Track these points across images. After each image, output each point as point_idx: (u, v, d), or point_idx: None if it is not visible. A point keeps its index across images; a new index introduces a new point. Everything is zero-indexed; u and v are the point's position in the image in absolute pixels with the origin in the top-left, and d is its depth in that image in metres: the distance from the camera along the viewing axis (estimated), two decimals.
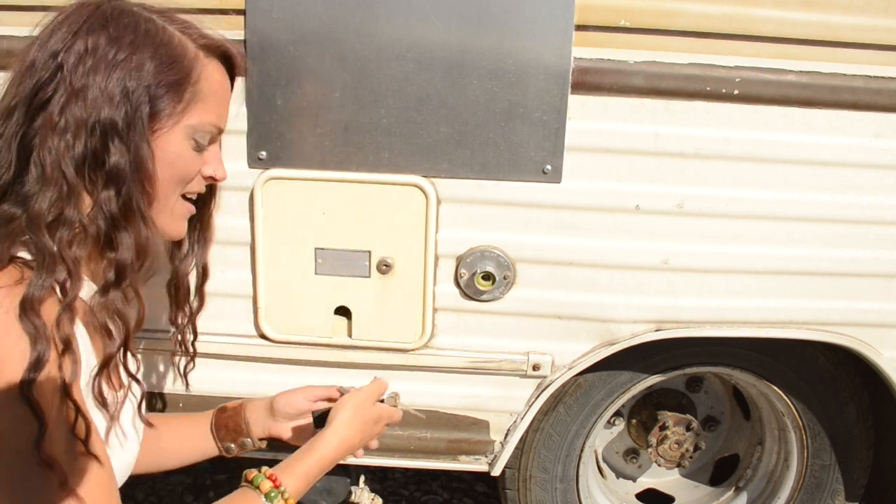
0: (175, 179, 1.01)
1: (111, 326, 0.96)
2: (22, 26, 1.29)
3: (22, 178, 0.91)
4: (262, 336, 1.46)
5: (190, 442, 1.30)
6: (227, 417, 1.30)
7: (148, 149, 0.95)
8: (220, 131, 1.06)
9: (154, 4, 1.02)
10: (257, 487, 1.00)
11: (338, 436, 1.12)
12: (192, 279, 1.23)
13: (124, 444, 1.02)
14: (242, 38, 1.28)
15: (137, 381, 1.04)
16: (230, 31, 1.27)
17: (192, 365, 1.30)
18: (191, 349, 1.28)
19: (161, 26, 0.97)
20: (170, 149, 0.98)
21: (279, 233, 1.38)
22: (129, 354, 1.01)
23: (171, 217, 1.04)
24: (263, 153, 1.34)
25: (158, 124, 0.96)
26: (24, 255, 0.90)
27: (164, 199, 1.01)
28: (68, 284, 0.89)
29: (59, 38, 0.93)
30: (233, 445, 1.30)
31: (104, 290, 0.96)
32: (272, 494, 0.99)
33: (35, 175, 0.91)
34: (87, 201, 0.94)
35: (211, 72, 1.02)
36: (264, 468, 1.04)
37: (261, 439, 1.31)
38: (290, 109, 1.32)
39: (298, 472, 1.06)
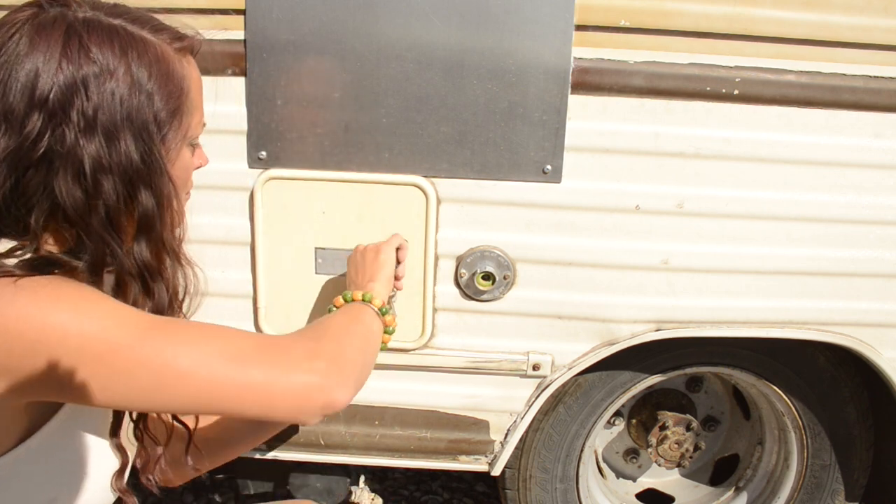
0: (184, 188, 0.99)
1: None
2: None
3: (18, 227, 0.85)
4: None
5: None
6: None
7: (168, 180, 0.90)
8: (205, 125, 1.01)
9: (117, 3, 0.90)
10: (351, 300, 1.15)
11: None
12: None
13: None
14: (242, 38, 1.28)
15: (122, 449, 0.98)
16: (230, 31, 1.28)
17: None
18: None
19: (139, 37, 0.87)
20: (180, 164, 0.95)
21: (279, 233, 1.38)
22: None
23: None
24: (263, 153, 1.34)
25: (167, 146, 0.91)
26: None
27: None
28: None
29: (31, 67, 0.80)
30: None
31: None
32: (367, 297, 1.15)
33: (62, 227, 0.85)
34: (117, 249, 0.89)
35: (191, 72, 0.95)
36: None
37: None
38: (290, 109, 1.32)
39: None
